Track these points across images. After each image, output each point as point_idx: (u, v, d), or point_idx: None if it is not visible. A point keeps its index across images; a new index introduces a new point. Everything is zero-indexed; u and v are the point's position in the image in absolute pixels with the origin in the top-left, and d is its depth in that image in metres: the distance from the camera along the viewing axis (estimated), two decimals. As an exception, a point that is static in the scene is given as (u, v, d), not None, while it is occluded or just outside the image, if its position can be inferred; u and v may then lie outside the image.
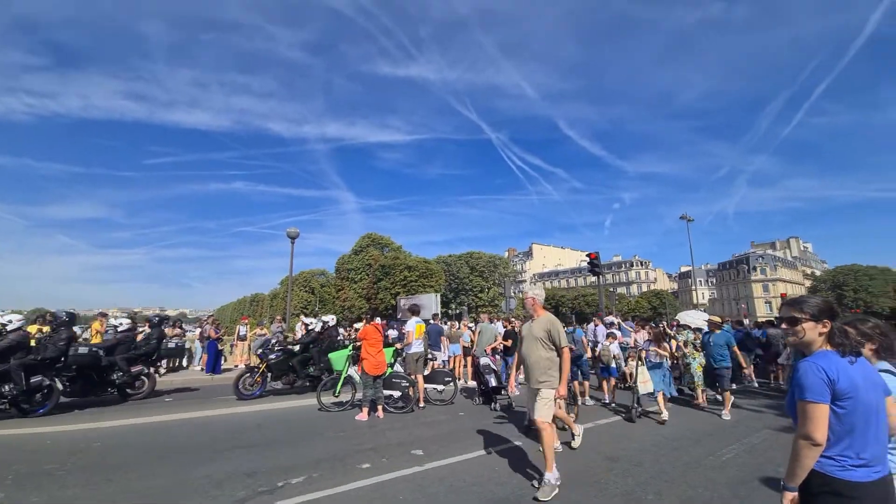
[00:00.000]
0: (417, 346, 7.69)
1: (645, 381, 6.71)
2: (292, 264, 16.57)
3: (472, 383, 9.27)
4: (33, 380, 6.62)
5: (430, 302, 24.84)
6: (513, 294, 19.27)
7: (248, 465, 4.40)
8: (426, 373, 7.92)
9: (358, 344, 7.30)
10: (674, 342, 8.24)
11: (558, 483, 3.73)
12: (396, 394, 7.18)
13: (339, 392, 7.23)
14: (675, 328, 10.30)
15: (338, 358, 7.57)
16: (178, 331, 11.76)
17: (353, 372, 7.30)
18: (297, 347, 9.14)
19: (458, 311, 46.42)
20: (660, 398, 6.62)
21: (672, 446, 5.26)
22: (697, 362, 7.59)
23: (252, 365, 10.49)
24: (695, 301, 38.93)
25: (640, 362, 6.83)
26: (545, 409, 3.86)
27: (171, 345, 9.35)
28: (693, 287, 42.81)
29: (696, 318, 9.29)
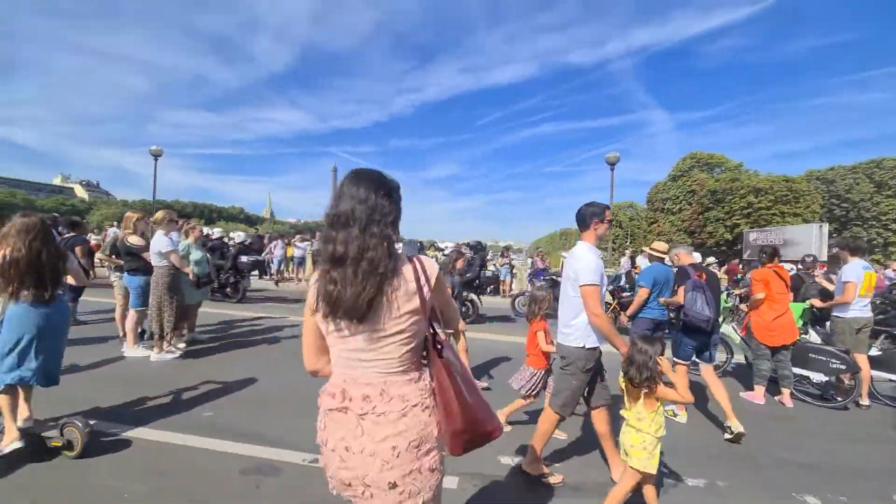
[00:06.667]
0: (861, 310, 4.68)
1: None
2: (612, 193, 15.14)
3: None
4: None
5: (808, 236, 17.30)
6: None
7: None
8: (874, 352, 4.82)
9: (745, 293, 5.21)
10: None
11: None
12: (818, 377, 4.65)
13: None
14: None
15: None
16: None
17: (732, 329, 5.39)
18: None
19: (847, 251, 31.21)
20: None
21: None
22: None
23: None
24: None
25: None
26: None
27: (489, 273, 11.13)
28: None
29: None
